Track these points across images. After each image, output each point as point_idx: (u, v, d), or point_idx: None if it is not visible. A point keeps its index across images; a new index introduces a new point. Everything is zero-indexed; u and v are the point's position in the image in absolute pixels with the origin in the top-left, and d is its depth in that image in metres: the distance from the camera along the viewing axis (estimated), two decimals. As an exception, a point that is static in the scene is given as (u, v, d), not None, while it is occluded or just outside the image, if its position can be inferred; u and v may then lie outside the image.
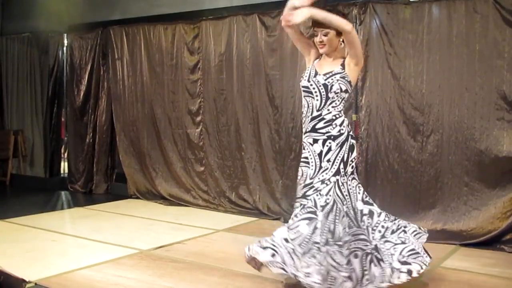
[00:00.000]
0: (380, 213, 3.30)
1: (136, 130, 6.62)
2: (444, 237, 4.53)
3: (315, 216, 3.09)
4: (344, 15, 3.38)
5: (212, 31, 5.98)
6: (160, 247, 4.35)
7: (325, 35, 3.22)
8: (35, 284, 3.38)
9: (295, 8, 3.17)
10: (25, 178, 7.75)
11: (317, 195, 3.13)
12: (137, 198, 6.57)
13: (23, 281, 2.92)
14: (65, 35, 7.40)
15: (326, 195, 3.12)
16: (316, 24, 3.23)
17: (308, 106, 3.27)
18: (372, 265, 3.04)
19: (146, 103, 6.51)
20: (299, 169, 3.31)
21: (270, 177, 5.59)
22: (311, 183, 3.18)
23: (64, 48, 7.46)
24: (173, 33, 6.28)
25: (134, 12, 6.74)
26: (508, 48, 4.39)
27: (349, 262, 2.99)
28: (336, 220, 3.08)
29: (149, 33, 6.45)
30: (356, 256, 3.01)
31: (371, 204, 3.33)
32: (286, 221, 3.34)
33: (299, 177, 3.30)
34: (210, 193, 6.08)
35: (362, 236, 3.11)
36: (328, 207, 3.10)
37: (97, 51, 6.90)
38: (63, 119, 7.73)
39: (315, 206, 3.12)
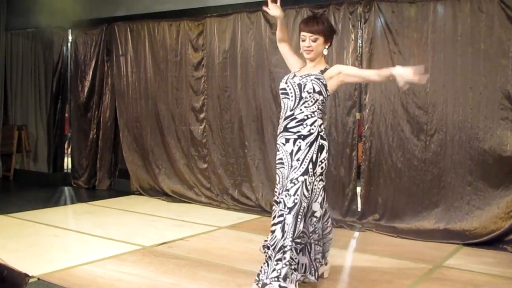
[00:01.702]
0: (325, 220, 3.40)
1: (139, 126, 6.63)
2: (446, 236, 4.53)
3: (283, 219, 3.10)
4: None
5: (217, 28, 5.98)
6: (163, 243, 4.36)
7: (314, 41, 3.17)
8: (38, 279, 3.40)
9: None
10: (29, 173, 7.77)
11: (285, 195, 3.11)
12: (140, 194, 6.58)
13: (26, 275, 2.92)
14: (70, 31, 7.40)
15: (294, 195, 3.09)
16: (305, 28, 3.19)
17: (284, 107, 3.24)
18: (301, 254, 3.20)
19: (150, 99, 6.52)
20: (277, 171, 3.26)
21: (273, 175, 5.58)
22: (287, 183, 3.16)
23: (69, 44, 7.47)
24: (178, 30, 6.28)
25: (139, 8, 6.74)
26: (513, 48, 4.39)
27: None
28: (299, 219, 3.11)
29: (153, 30, 6.45)
30: (303, 253, 3.20)
31: (326, 212, 3.38)
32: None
33: (279, 181, 3.24)
34: (213, 190, 6.08)
35: (305, 230, 3.22)
36: (296, 207, 3.08)
37: (102, 47, 6.91)
38: (67, 115, 7.75)
39: (284, 207, 3.10)
